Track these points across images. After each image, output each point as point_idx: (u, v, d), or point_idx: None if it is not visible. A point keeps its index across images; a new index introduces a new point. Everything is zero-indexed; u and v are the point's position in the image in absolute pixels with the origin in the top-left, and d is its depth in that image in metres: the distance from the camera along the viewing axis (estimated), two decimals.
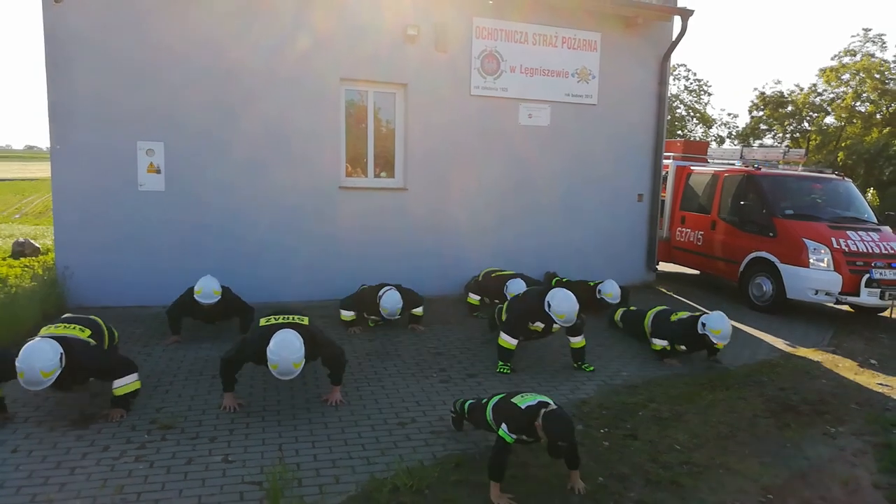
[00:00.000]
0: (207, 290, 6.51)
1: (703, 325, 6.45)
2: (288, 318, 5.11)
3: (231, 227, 8.15)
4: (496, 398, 4.26)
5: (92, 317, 5.43)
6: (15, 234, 13.06)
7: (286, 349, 4.68)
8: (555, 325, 6.08)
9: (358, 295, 7.43)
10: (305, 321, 5.17)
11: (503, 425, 3.89)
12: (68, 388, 4.71)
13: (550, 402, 3.95)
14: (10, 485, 3.83)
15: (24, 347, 4.38)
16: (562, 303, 5.91)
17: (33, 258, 10.28)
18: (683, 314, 6.84)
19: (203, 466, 4.14)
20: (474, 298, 8.28)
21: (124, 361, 4.91)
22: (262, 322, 5.10)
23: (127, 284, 7.77)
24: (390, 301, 6.98)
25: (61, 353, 4.42)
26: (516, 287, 7.71)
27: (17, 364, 4.32)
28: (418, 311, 7.45)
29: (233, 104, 8.03)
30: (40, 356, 4.32)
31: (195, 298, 6.51)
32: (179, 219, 7.97)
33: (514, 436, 3.85)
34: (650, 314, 7.12)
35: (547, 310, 5.94)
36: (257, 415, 4.93)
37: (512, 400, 4.04)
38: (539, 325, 6.14)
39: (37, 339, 4.54)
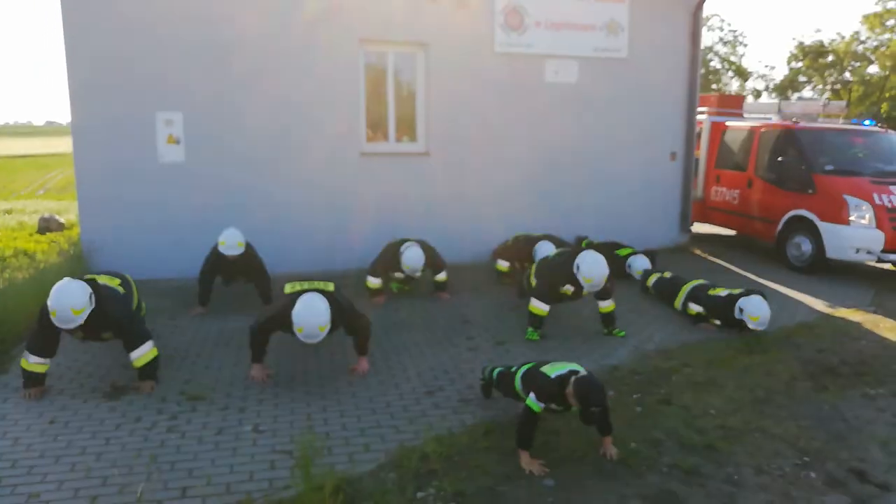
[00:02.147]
0: (231, 241, 6.50)
1: (741, 310, 6.26)
2: (313, 284, 5.08)
3: (251, 196, 8.13)
4: (525, 367, 4.21)
5: (122, 273, 5.52)
6: (40, 210, 13.30)
7: (312, 312, 4.68)
8: (584, 289, 5.97)
9: (383, 255, 7.32)
10: (331, 287, 5.13)
11: (531, 394, 3.85)
12: (96, 334, 4.78)
13: (581, 369, 3.87)
14: (49, 454, 3.93)
15: (54, 287, 4.49)
16: (592, 267, 5.79)
17: (58, 233, 10.46)
18: (721, 290, 6.64)
19: (233, 436, 4.18)
20: (503, 265, 8.16)
21: (142, 328, 4.97)
22: (288, 289, 5.07)
23: (151, 257, 7.82)
24: (412, 258, 6.88)
25: (90, 293, 4.53)
26: (545, 249, 7.57)
27: (48, 303, 4.44)
28: (441, 276, 7.37)
29: (250, 71, 7.93)
30: (70, 294, 4.45)
31: (219, 251, 6.51)
32: (200, 189, 7.97)
33: (542, 404, 3.80)
34: (686, 288, 6.90)
35: (576, 272, 5.83)
36: (285, 385, 4.96)
37: (541, 369, 3.98)
38: (569, 289, 6.04)
39: (66, 279, 4.62)
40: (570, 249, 6.55)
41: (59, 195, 19.10)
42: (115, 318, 4.77)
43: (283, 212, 8.27)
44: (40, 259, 7.58)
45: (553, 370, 3.90)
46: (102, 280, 5.02)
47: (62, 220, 11.31)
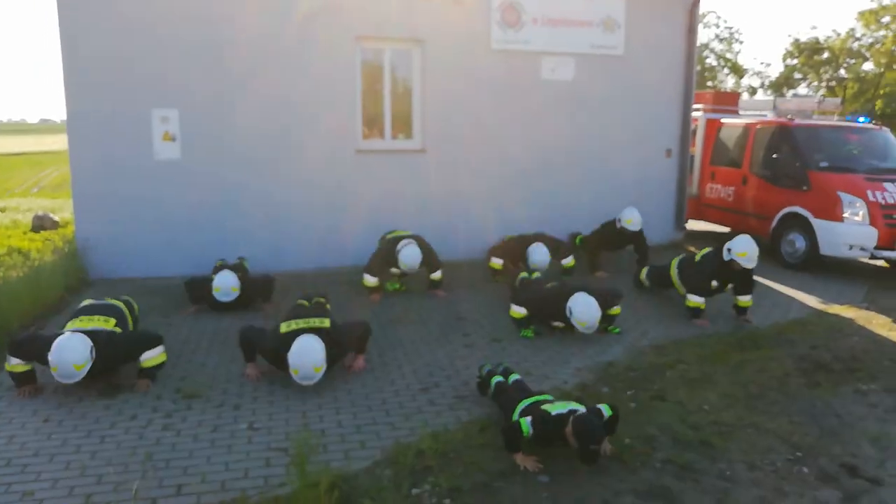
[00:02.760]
0: (226, 287, 6.49)
1: (729, 250, 6.30)
2: (309, 323, 4.95)
3: (247, 194, 8.12)
4: (526, 402, 4.11)
5: (111, 302, 5.45)
6: (34, 208, 13.25)
7: (307, 354, 4.66)
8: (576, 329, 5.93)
9: (379, 252, 7.33)
10: (326, 323, 5.02)
11: (528, 418, 3.84)
12: (99, 376, 4.81)
13: (580, 408, 3.89)
14: (44, 453, 3.93)
15: (55, 342, 4.51)
16: (584, 311, 5.77)
17: (53, 231, 10.43)
18: (706, 249, 6.72)
19: (229, 434, 4.19)
20: (497, 262, 8.18)
21: (151, 336, 4.98)
22: (283, 328, 4.95)
23: (147, 255, 7.82)
24: (409, 256, 6.90)
25: (91, 347, 4.55)
26: (538, 253, 7.61)
27: (49, 359, 4.47)
28: (436, 276, 7.37)
29: (246, 68, 7.91)
30: (72, 351, 4.47)
31: (214, 296, 6.50)
32: (196, 187, 7.95)
33: (532, 431, 3.81)
34: (674, 263, 7.02)
35: (569, 315, 5.83)
36: (280, 383, 4.95)
37: (542, 407, 3.95)
38: (559, 325, 6.07)
39: (67, 333, 4.64)
40: (561, 286, 6.29)
41: (54, 193, 18.99)
42: (123, 356, 4.83)
43: (279, 209, 8.26)
44: (34, 257, 7.55)
45: (554, 408, 3.89)
46: (98, 324, 4.93)
47: (56, 218, 11.28)
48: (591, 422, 3.75)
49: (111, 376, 4.92)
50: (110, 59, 7.47)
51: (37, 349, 4.63)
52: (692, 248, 10.12)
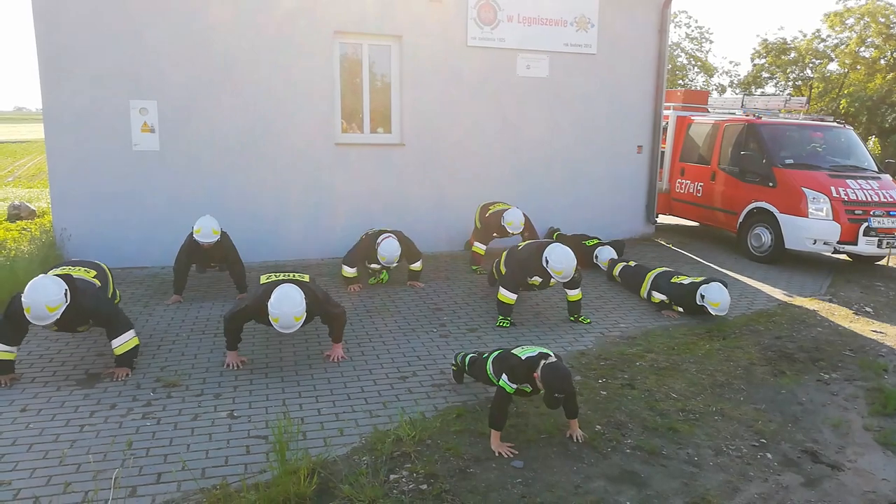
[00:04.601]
0: (207, 229, 6.50)
1: (702, 297, 6.51)
2: (288, 275, 5.13)
3: (226, 185, 8.10)
4: (496, 352, 4.32)
5: (97, 262, 5.48)
6: (10, 198, 13.01)
7: (287, 302, 4.74)
8: (552, 280, 6.12)
9: (359, 245, 7.38)
10: (306, 278, 5.21)
11: (504, 375, 3.96)
12: (72, 328, 4.78)
13: (550, 353, 4.00)
14: (22, 442, 3.92)
15: (29, 283, 4.45)
16: (560, 259, 5.95)
17: (30, 221, 10.27)
18: (684, 278, 6.88)
19: (209, 422, 4.23)
20: (480, 247, 8.19)
21: (122, 317, 4.96)
22: (263, 279, 5.13)
23: (125, 245, 7.76)
24: (388, 249, 6.96)
25: (66, 289, 4.51)
26: (513, 216, 7.77)
27: (22, 299, 4.40)
28: (416, 266, 7.46)
29: (225, 61, 7.88)
30: (45, 291, 4.42)
31: (194, 238, 6.50)
32: (175, 178, 7.90)
33: (514, 386, 3.92)
34: (650, 276, 7.15)
35: (545, 265, 5.98)
36: (260, 372, 5.00)
37: (512, 352, 4.10)
38: (537, 280, 6.19)
39: (41, 275, 4.60)
40: (538, 241, 6.66)
41: (31, 183, 18.59)
42: (92, 311, 4.75)
43: (258, 201, 8.25)
44: (11, 247, 7.44)
45: (523, 352, 4.02)
46: (77, 273, 4.97)
47: (33, 207, 11.10)
48: (560, 369, 3.84)
49: (83, 330, 4.88)
50: (87, 48, 7.38)
51: (14, 308, 4.51)
52: (663, 242, 10.34)
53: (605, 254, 8.38)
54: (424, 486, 3.56)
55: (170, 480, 3.57)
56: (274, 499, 3.34)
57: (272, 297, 4.77)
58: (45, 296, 4.40)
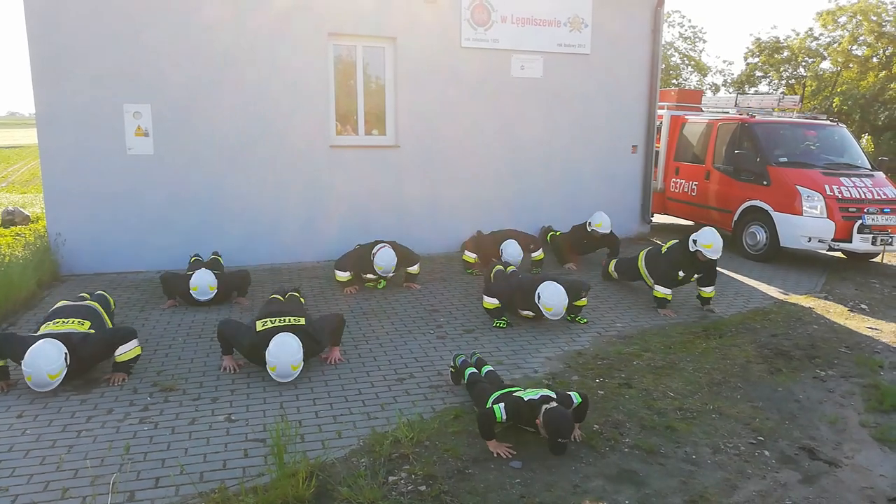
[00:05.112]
0: (203, 286, 6.46)
1: (695, 241, 6.50)
2: (284, 321, 5.00)
3: (221, 189, 8.07)
4: (497, 393, 4.20)
5: (87, 303, 5.39)
6: (3, 203, 12.96)
7: (286, 350, 4.72)
8: (544, 316, 6.06)
9: (352, 253, 7.43)
10: (302, 321, 5.08)
11: (501, 404, 3.95)
12: (80, 374, 4.79)
13: (552, 395, 4.00)
14: (18, 448, 3.90)
15: (28, 351, 4.45)
16: (551, 298, 5.94)
17: (24, 226, 10.23)
18: (672, 241, 6.90)
19: (207, 426, 4.22)
20: (470, 256, 8.29)
21: (125, 331, 4.95)
22: (259, 326, 4.99)
23: (120, 250, 7.74)
24: (384, 258, 6.98)
25: (65, 353, 4.52)
26: (511, 251, 7.74)
27: (23, 367, 4.42)
28: (414, 269, 7.47)
29: (219, 63, 7.85)
30: (46, 359, 4.43)
31: (191, 295, 6.46)
32: (169, 182, 7.87)
33: (505, 417, 3.92)
34: (641, 255, 7.19)
35: (536, 301, 5.98)
36: (257, 375, 4.99)
37: (515, 393, 4.08)
38: (528, 314, 6.20)
39: (40, 341, 4.57)
40: (531, 277, 6.55)
41: (24, 188, 18.51)
42: (97, 355, 4.79)
43: (252, 204, 8.23)
44: (5, 252, 7.41)
45: (526, 395, 4.01)
46: (72, 327, 4.86)
47: (27, 212, 11.06)
48: (561, 415, 3.85)
49: (87, 372, 4.88)
50: (80, 52, 7.34)
51: (10, 349, 4.59)
52: (657, 241, 10.37)
53: (597, 217, 8.54)
54: (423, 488, 3.56)
55: (168, 485, 3.56)
56: (272, 502, 3.34)
57: (270, 345, 4.75)
58: (46, 364, 4.42)
